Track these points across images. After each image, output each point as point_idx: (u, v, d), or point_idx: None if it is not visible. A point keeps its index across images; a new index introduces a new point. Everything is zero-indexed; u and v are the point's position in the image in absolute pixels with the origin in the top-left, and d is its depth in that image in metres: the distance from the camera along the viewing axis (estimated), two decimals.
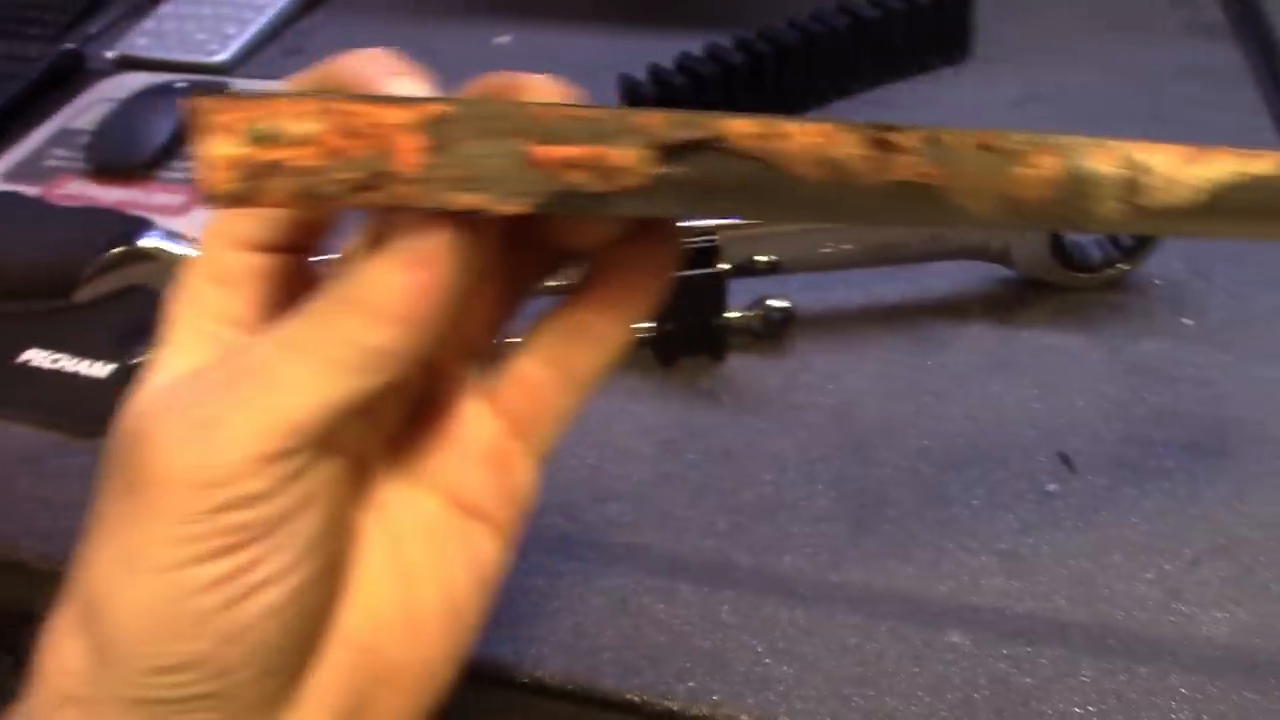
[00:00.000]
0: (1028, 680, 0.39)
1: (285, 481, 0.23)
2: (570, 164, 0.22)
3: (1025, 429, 0.48)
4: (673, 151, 0.23)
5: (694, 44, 0.66)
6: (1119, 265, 0.54)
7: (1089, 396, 0.49)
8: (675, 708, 0.38)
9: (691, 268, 0.49)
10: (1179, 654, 0.40)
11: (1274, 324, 0.53)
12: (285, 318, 0.24)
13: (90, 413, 0.50)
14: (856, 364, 0.51)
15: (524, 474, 0.30)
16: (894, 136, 0.23)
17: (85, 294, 0.50)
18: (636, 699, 0.39)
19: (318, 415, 0.23)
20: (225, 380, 0.24)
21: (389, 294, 0.23)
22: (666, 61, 0.66)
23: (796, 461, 0.47)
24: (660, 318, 0.50)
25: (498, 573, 0.29)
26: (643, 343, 0.51)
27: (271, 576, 0.24)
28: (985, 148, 0.24)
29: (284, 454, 0.23)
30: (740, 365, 0.51)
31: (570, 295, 0.30)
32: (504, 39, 0.81)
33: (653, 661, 0.39)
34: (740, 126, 0.23)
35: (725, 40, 0.66)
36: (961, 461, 0.47)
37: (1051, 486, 0.45)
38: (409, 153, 0.21)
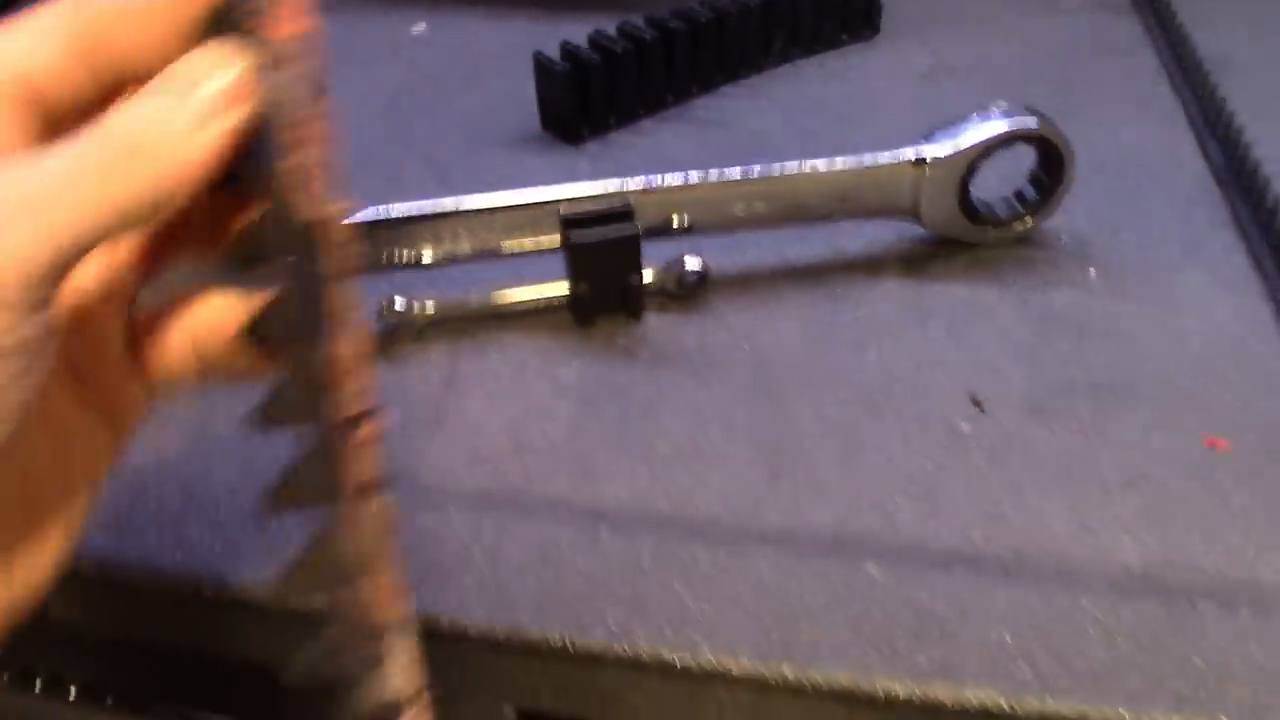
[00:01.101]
0: (945, 610, 0.39)
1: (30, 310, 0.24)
2: None
3: (937, 375, 0.49)
4: None
5: (609, 25, 0.67)
6: (1025, 221, 0.55)
7: (999, 344, 0.50)
8: (597, 649, 0.38)
9: (605, 230, 0.49)
10: (1091, 581, 0.40)
11: (1174, 275, 0.54)
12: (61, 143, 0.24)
13: None
14: (772, 320, 0.52)
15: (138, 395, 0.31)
16: None
17: None
18: (558, 642, 0.39)
19: (66, 253, 0.24)
20: None
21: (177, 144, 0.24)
22: (581, 41, 0.66)
23: (713, 414, 0.47)
24: (576, 279, 0.50)
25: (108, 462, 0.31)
26: (561, 304, 0.51)
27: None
28: None
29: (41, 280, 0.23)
30: (657, 324, 0.52)
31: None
32: (419, 28, 0.81)
33: (573, 606, 0.39)
34: None
35: (639, 21, 0.67)
36: (875, 408, 0.47)
37: (964, 427, 0.46)
38: None
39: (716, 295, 0.53)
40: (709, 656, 0.38)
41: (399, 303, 0.51)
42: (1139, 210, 0.58)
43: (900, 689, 0.37)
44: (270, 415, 0.28)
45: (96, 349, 0.30)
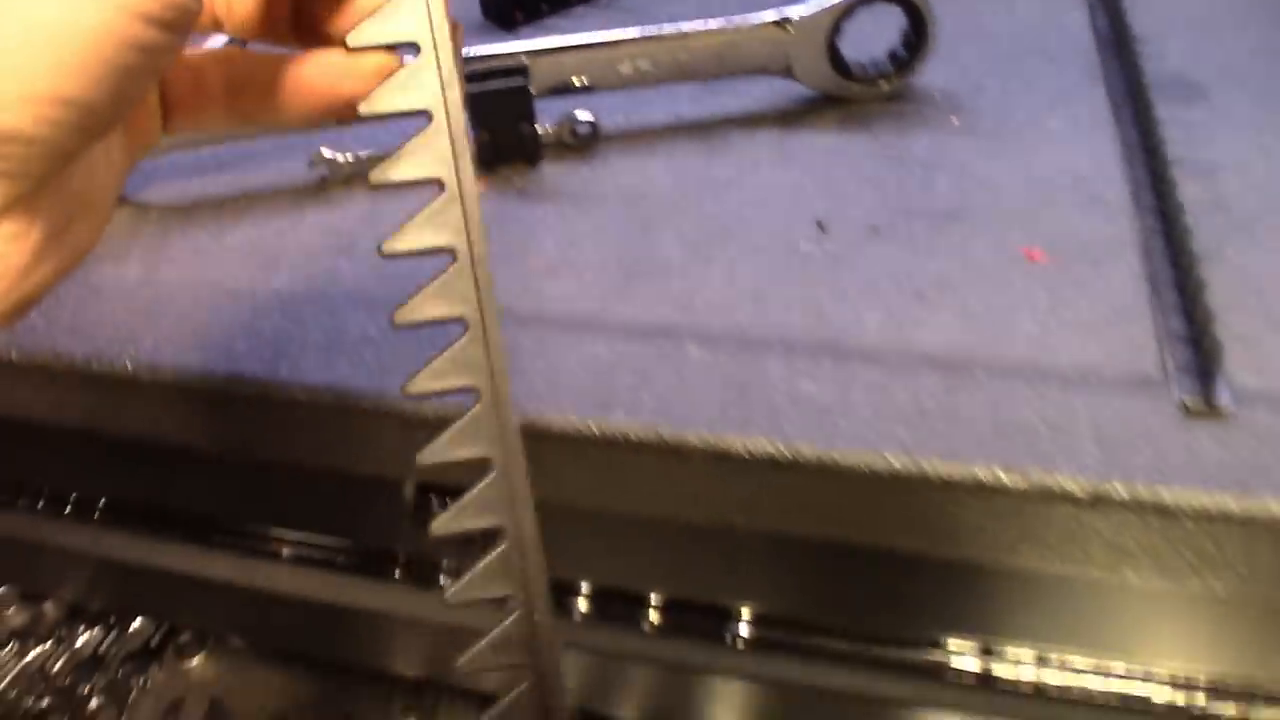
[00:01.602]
0: (757, 380, 0.45)
1: None
2: None
3: (790, 207, 0.54)
4: None
5: None
6: (895, 77, 0.60)
7: (852, 181, 0.56)
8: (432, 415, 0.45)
9: (498, 83, 0.56)
10: (888, 358, 0.46)
11: (1035, 122, 0.59)
12: None
13: None
14: (653, 165, 0.58)
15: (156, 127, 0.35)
16: None
17: None
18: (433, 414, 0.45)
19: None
20: None
21: None
22: None
23: (585, 238, 0.53)
24: (477, 128, 0.57)
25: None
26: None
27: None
28: None
29: None
30: (551, 170, 0.58)
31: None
32: None
33: None
34: None
35: None
36: (728, 232, 0.53)
37: (804, 246, 0.52)
38: None
39: (610, 147, 0.59)
40: (549, 417, 0.45)
41: (327, 152, 0.58)
42: (1015, 70, 0.62)
43: (694, 439, 0.43)
44: None
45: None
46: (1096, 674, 0.53)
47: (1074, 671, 0.53)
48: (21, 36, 0.26)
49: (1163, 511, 0.41)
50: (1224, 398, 0.44)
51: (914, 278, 0.50)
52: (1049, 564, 0.44)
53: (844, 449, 0.42)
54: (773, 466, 0.43)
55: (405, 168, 0.33)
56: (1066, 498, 0.42)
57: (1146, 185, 0.54)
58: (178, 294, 0.53)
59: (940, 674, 0.53)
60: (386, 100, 0.33)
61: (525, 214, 0.55)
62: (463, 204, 0.34)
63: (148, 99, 0.34)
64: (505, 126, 0.57)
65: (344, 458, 0.50)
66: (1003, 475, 0.42)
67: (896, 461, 0.42)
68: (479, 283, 0.34)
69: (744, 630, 0.54)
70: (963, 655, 0.53)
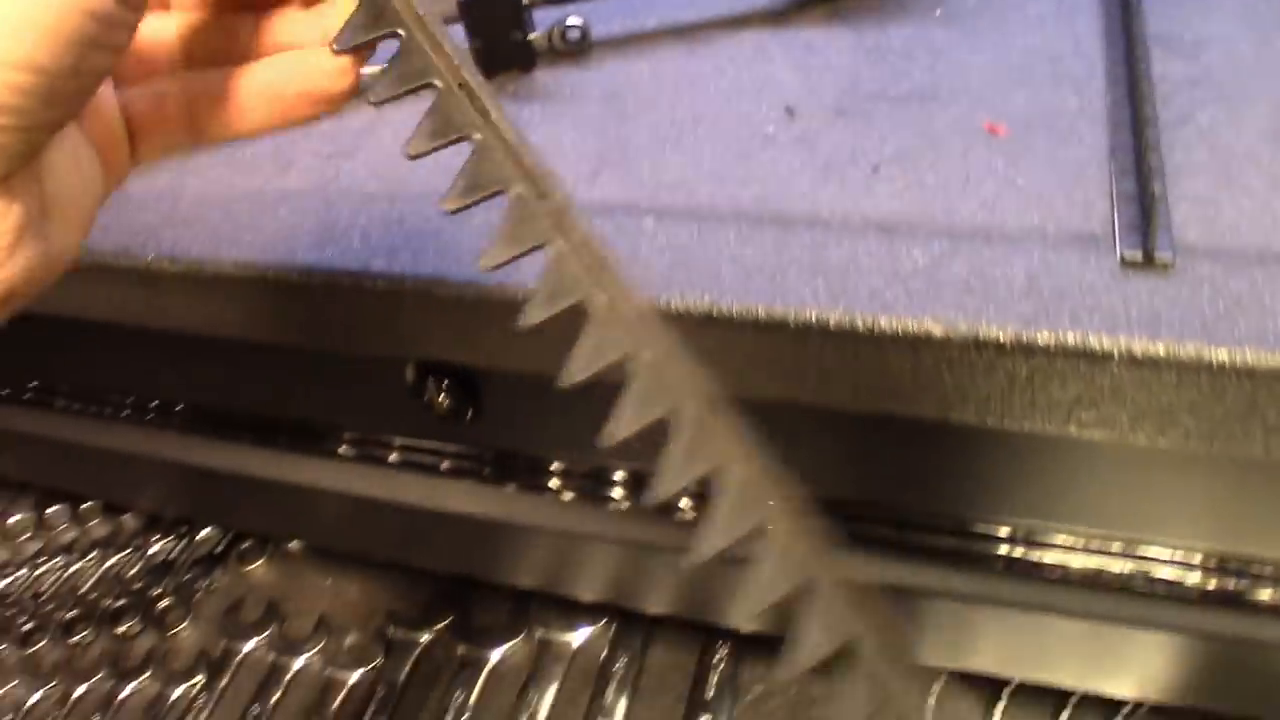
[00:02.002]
0: (704, 248, 0.47)
1: None
2: None
3: (763, 96, 0.56)
4: None
5: None
6: None
7: (828, 71, 0.57)
8: (469, 294, 0.49)
9: None
10: (839, 227, 0.47)
11: (1019, 9, 0.59)
12: None
13: None
14: (638, 65, 0.60)
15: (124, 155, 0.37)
16: None
17: None
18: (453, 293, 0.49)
19: None
20: None
21: None
22: None
23: (566, 132, 0.56)
24: (471, 36, 0.60)
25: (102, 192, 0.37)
26: None
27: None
28: None
29: None
30: (544, 75, 0.61)
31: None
32: None
33: (445, 256, 0.50)
34: None
35: None
36: (700, 120, 0.55)
37: (771, 130, 0.54)
38: None
39: (602, 51, 0.62)
40: (505, 288, 0.48)
41: None
42: None
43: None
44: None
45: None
46: (1084, 551, 0.54)
47: (1061, 549, 0.54)
48: None
49: (1092, 358, 0.42)
50: (1164, 251, 0.44)
51: (871, 154, 0.51)
52: (989, 420, 0.45)
53: (770, 305, 0.44)
54: (708, 323, 0.45)
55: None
56: (992, 346, 0.42)
57: (1122, 62, 0.54)
58: (204, 196, 0.57)
59: (910, 549, 0.54)
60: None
61: (513, 115, 0.58)
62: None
63: (114, 129, 0.36)
64: (499, 35, 0.60)
65: (341, 338, 0.54)
66: (930, 326, 0.43)
67: (826, 315, 0.44)
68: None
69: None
70: (939, 535, 0.54)
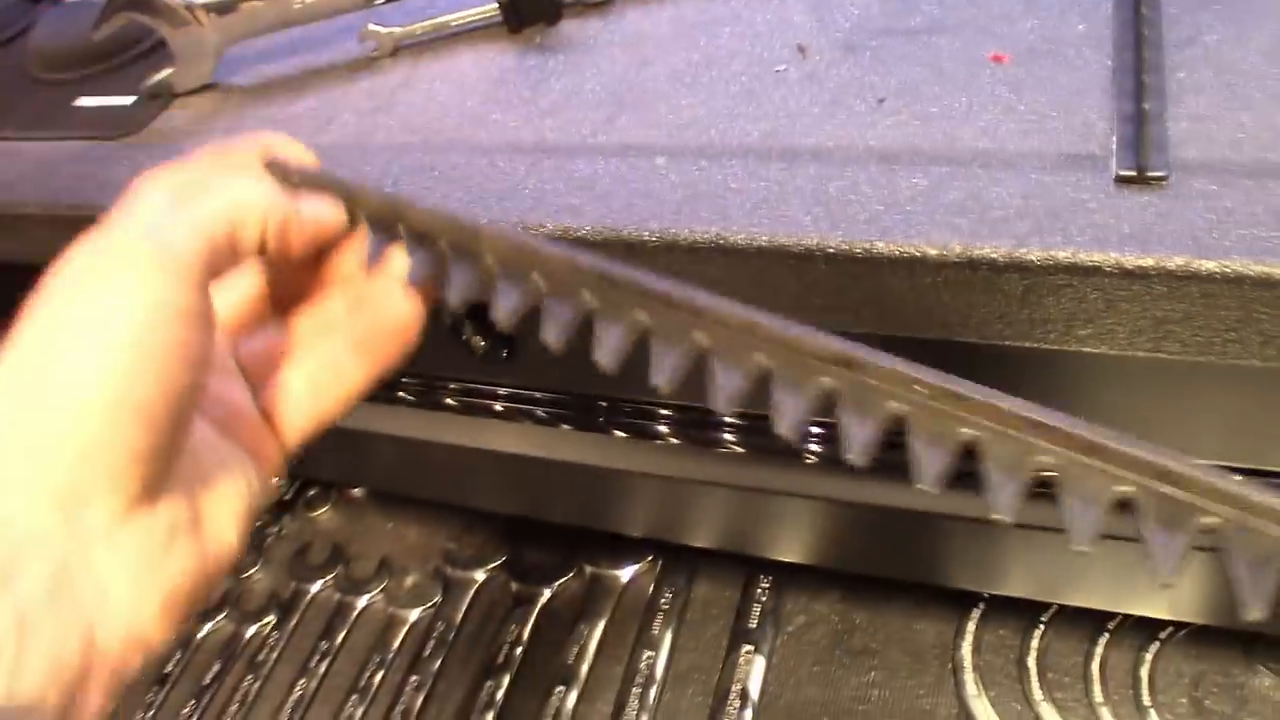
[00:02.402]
0: (712, 182, 0.49)
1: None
2: None
3: (777, 36, 0.57)
4: None
5: None
6: None
7: (841, 10, 0.58)
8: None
9: None
10: (841, 159, 0.49)
11: None
12: None
13: (123, 125, 0.66)
14: (659, 13, 0.62)
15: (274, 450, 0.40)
16: None
17: (101, 32, 0.67)
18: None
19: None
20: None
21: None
22: None
23: (588, 80, 0.58)
24: None
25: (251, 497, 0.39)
26: (499, 19, 0.64)
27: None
28: None
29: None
30: (570, 26, 0.63)
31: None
32: None
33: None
34: None
35: None
36: (715, 62, 0.57)
37: (781, 68, 0.55)
38: None
39: (624, 3, 0.64)
40: (528, 221, 0.50)
41: (374, 27, 0.65)
42: None
43: (649, 235, 0.48)
44: None
45: (233, 395, 0.40)
46: None
47: None
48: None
49: (1084, 273, 0.43)
50: (1158, 167, 0.45)
51: (878, 88, 0.52)
52: (990, 339, 0.47)
53: (773, 233, 0.46)
54: (715, 252, 0.47)
55: None
56: (986, 265, 0.44)
57: None
58: None
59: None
60: None
61: (539, 64, 0.61)
62: None
63: (256, 430, 0.40)
64: None
65: None
66: (925, 247, 0.44)
67: (826, 241, 0.45)
68: None
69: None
70: None
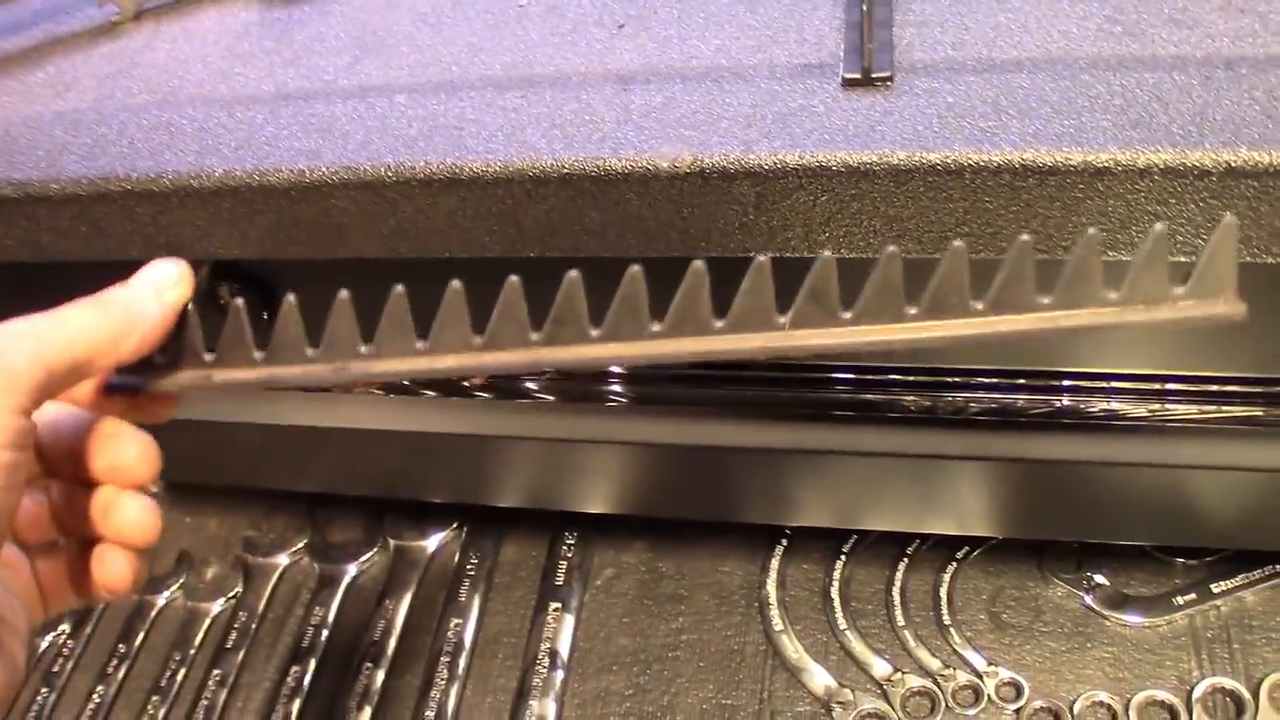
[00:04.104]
0: (448, 115, 0.48)
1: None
2: None
3: None
4: None
5: None
6: None
7: None
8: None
9: None
10: (579, 83, 0.48)
11: None
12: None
13: None
14: None
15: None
16: None
17: None
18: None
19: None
20: None
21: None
22: None
23: (335, 29, 0.57)
24: None
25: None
26: None
27: None
28: None
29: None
30: None
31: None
32: None
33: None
34: None
35: None
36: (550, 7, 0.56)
37: (522, 3, 0.55)
38: None
39: None
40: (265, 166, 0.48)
41: None
42: None
43: (386, 171, 0.47)
44: None
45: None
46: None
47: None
48: None
49: (812, 175, 0.43)
50: (882, 69, 0.45)
51: (618, 15, 0.52)
52: (735, 250, 0.47)
53: (510, 158, 0.45)
54: (452, 185, 0.46)
55: None
56: (717, 174, 0.44)
57: None
58: None
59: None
60: None
61: (285, 17, 0.59)
62: None
63: (29, 586, 0.40)
64: None
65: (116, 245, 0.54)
66: (659, 161, 0.44)
67: (560, 162, 0.45)
68: None
69: None
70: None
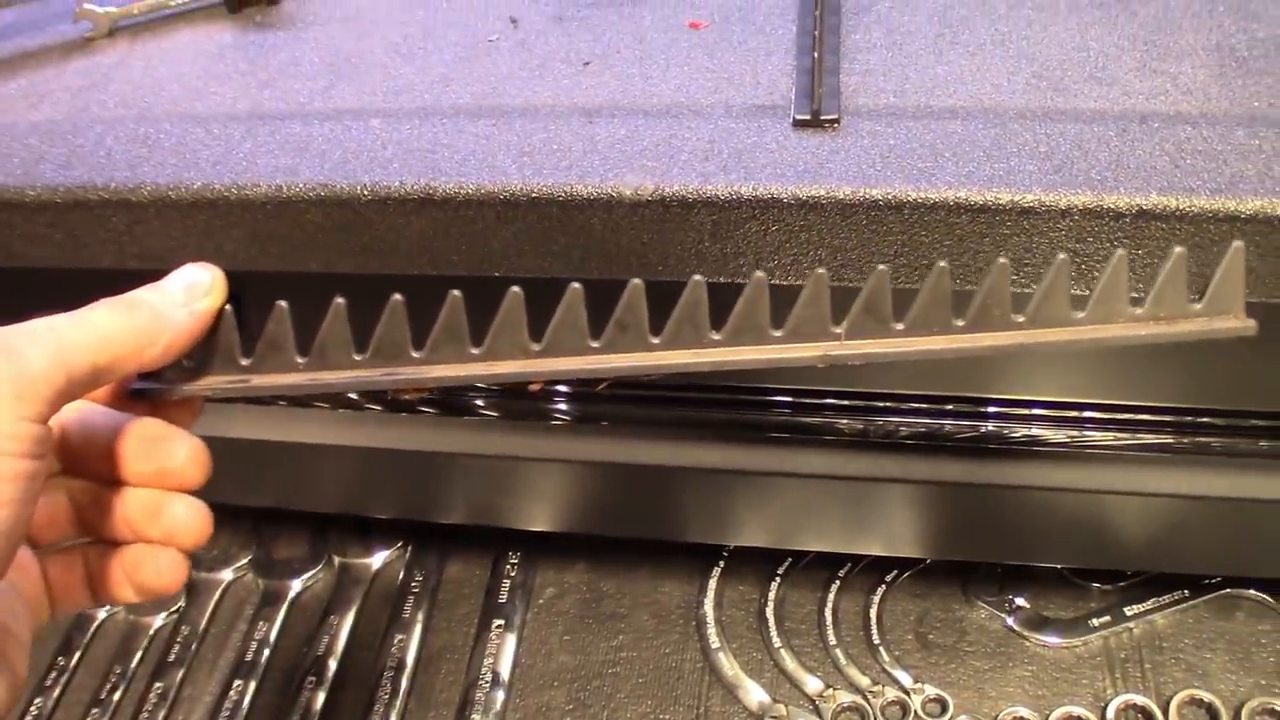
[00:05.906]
0: (422, 139, 0.51)
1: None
2: None
3: (490, 8, 0.60)
4: None
5: None
6: None
7: None
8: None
9: None
10: (546, 115, 0.51)
11: None
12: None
13: None
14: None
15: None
16: None
17: None
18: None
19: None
20: None
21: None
22: None
23: (309, 54, 0.59)
24: None
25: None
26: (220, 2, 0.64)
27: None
28: None
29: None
30: (289, 5, 0.64)
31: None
32: None
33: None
34: None
35: None
36: (431, 33, 0.59)
37: (493, 37, 0.57)
38: None
39: None
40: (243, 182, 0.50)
41: (90, 7, 0.64)
42: None
43: (362, 190, 0.49)
44: None
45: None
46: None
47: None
48: None
49: (764, 206, 0.47)
50: (830, 112, 0.49)
51: (584, 53, 0.55)
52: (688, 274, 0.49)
53: (481, 181, 0.48)
54: (425, 205, 0.48)
55: None
56: (677, 202, 0.47)
57: None
58: None
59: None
60: None
61: (259, 40, 0.61)
62: None
63: (37, 589, 0.38)
64: None
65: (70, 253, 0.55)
66: (622, 189, 0.47)
67: (529, 186, 0.47)
68: None
69: None
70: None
